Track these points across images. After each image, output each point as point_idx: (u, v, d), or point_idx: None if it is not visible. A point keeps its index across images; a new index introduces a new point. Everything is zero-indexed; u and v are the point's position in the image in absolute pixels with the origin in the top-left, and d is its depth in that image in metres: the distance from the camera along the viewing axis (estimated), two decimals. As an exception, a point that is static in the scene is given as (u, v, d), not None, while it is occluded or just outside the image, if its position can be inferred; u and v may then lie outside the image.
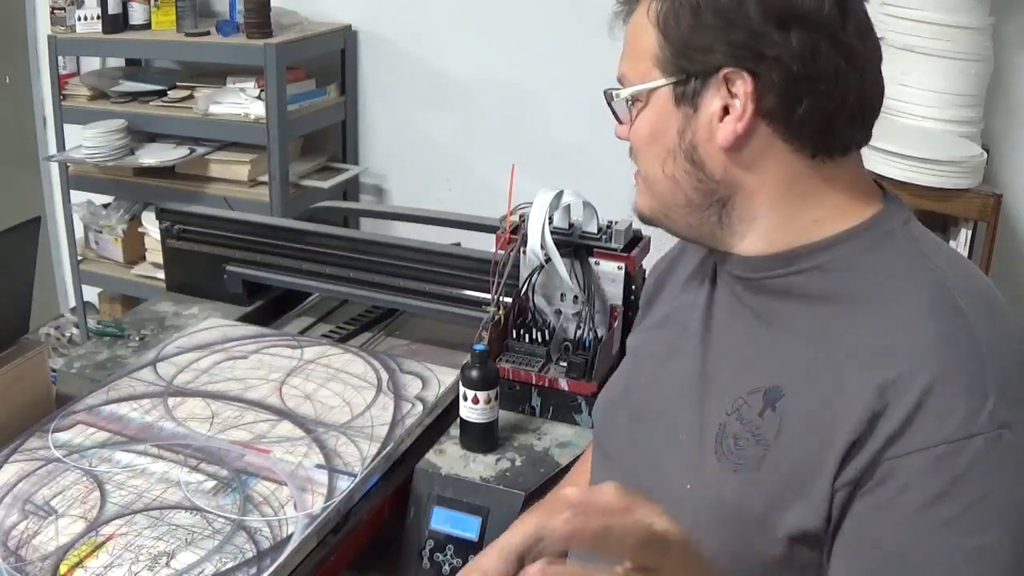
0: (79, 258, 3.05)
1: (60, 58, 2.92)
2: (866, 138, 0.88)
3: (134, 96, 2.91)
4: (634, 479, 0.93)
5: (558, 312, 1.53)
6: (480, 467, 1.38)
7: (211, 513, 1.21)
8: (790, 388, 0.83)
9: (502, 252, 1.53)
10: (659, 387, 0.97)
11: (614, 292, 1.52)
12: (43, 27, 3.16)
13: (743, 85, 0.82)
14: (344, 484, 1.27)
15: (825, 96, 0.82)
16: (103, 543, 1.15)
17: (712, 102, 0.84)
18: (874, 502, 0.77)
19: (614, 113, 0.93)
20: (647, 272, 1.16)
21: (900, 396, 0.76)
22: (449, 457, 1.40)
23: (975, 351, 0.77)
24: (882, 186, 0.91)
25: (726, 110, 0.84)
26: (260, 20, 2.66)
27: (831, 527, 0.80)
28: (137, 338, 1.75)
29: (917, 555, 0.75)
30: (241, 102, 2.72)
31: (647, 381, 1.00)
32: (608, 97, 0.91)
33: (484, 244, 1.66)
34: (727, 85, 0.83)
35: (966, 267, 0.87)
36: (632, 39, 0.89)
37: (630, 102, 0.89)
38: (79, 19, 2.85)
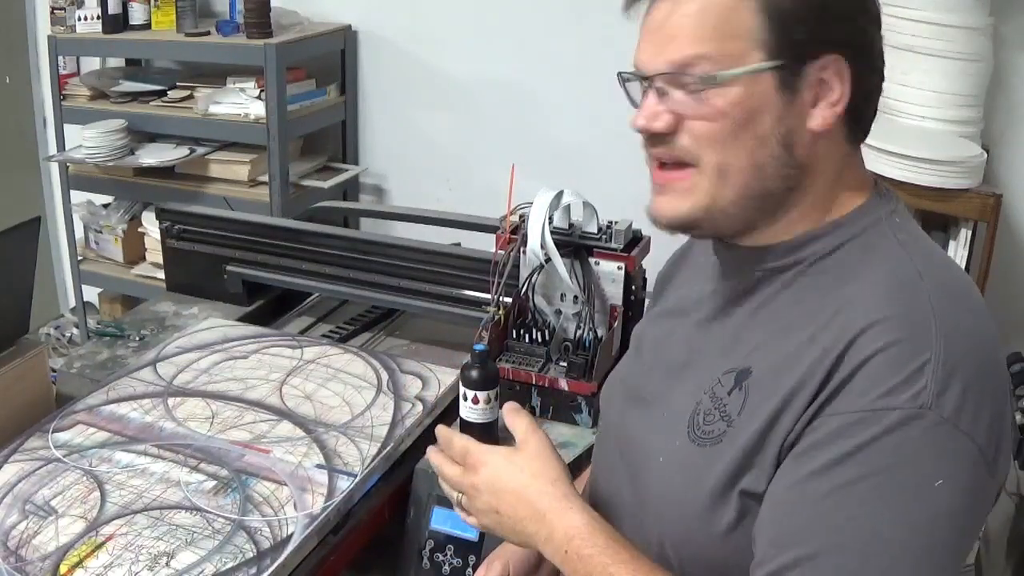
0: (79, 258, 3.05)
1: (60, 58, 2.92)
2: None
3: (134, 96, 2.90)
4: (624, 455, 1.00)
5: (558, 312, 1.52)
6: (480, 467, 1.37)
7: (211, 513, 1.21)
8: (759, 367, 0.86)
9: (502, 252, 1.53)
10: (652, 371, 1.01)
11: (614, 292, 1.52)
12: (43, 27, 3.15)
13: (842, 72, 0.84)
14: (344, 484, 1.27)
15: (878, 87, 0.87)
16: (103, 543, 1.15)
17: (811, 87, 0.84)
18: (795, 452, 0.80)
19: (631, 99, 0.90)
20: (660, 267, 1.18)
21: (847, 362, 0.78)
22: (449, 457, 1.39)
23: (926, 333, 0.78)
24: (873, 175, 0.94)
25: (817, 96, 0.84)
26: (260, 20, 2.66)
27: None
28: (137, 338, 1.75)
29: (807, 511, 0.77)
30: (241, 102, 2.72)
31: (644, 367, 1.04)
32: (646, 81, 0.86)
33: (484, 244, 1.66)
34: (825, 71, 0.84)
35: (943, 261, 0.89)
36: (711, 17, 0.83)
37: (710, 83, 0.83)
38: (79, 19, 2.85)
